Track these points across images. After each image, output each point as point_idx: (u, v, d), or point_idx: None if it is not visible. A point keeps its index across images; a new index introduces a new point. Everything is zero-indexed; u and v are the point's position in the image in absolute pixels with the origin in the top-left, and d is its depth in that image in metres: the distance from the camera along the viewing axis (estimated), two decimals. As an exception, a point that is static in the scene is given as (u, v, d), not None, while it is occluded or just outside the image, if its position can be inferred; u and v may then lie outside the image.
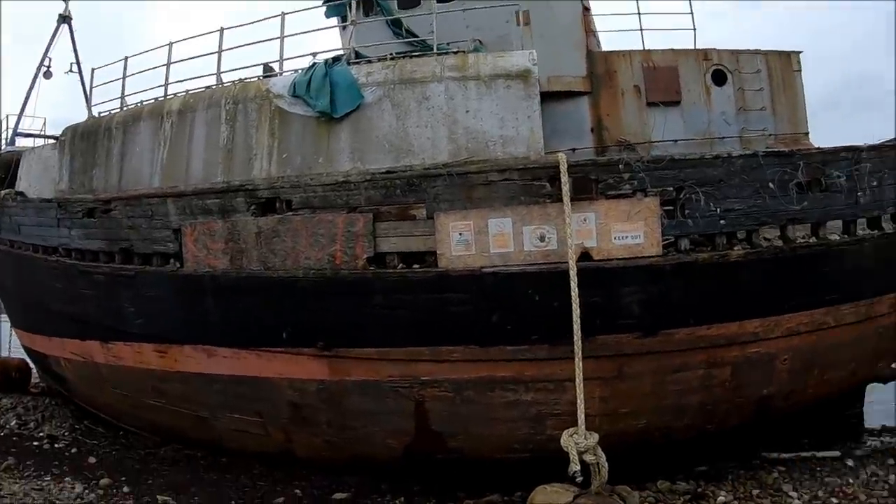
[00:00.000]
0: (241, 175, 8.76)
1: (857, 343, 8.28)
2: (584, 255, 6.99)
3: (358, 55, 9.08)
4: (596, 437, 6.82)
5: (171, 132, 9.65)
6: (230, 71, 9.99)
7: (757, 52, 10.09)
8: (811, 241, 7.63)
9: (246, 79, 9.67)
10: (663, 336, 7.15)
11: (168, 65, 10.33)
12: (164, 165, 9.63)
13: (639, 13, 10.17)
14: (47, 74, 13.93)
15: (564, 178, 6.84)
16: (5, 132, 13.89)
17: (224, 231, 8.44)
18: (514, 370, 7.30)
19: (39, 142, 13.52)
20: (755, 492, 7.92)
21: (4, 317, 15.11)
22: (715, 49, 9.95)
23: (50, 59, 13.96)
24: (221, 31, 9.90)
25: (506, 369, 7.31)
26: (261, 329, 8.28)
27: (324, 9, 10.41)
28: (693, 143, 9.43)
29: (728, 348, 7.35)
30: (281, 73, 9.42)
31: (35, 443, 10.65)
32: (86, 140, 10.75)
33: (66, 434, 11.15)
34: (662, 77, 9.66)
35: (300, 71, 9.00)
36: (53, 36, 14.03)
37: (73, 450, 10.32)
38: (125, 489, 8.61)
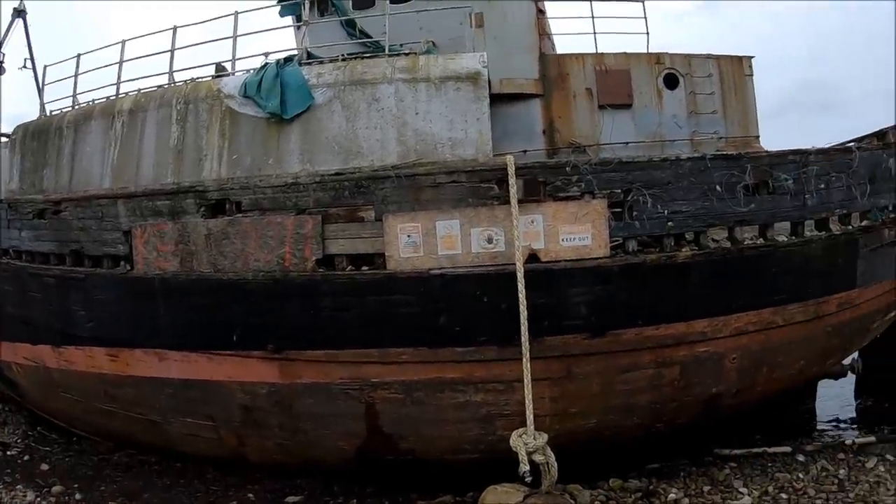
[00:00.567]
0: (192, 176, 8.53)
1: (806, 341, 8.29)
2: (532, 257, 6.90)
3: (311, 56, 8.89)
4: (545, 437, 6.75)
5: (121, 132, 9.37)
6: (183, 70, 9.75)
7: (709, 56, 10.13)
8: (759, 242, 7.61)
9: (198, 78, 9.41)
10: (611, 336, 7.08)
11: (120, 63, 10.03)
12: (114, 166, 9.35)
13: (592, 17, 10.12)
14: (0, 70, 13.48)
15: (512, 181, 6.73)
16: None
17: (174, 233, 8.18)
18: (464, 371, 7.18)
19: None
20: (706, 488, 7.90)
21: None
22: (667, 53, 9.98)
23: (3, 55, 13.50)
24: (174, 29, 9.64)
25: (455, 371, 7.19)
26: (211, 332, 8.05)
27: (278, 8, 10.19)
28: (644, 146, 9.41)
29: (676, 348, 7.31)
30: (233, 73, 9.19)
31: (-13, 451, 10.31)
32: (37, 139, 10.41)
33: (18, 441, 10.76)
34: (614, 80, 9.65)
35: (252, 71, 8.78)
36: (7, 31, 13.56)
37: (26, 457, 9.98)
38: (78, 496, 8.38)
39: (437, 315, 7.05)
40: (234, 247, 7.82)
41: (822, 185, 7.99)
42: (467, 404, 7.33)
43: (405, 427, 7.63)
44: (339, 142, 7.97)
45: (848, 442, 9.09)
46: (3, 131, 13.12)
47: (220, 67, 9.68)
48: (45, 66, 11.22)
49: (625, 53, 9.94)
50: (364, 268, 7.31)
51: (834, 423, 11.11)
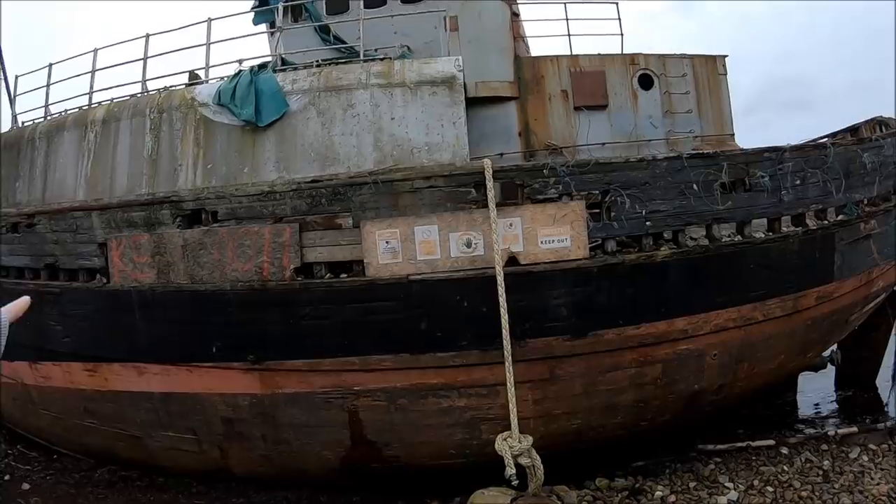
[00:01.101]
0: (167, 186, 8.36)
1: (786, 336, 8.29)
2: (511, 260, 6.81)
3: (285, 62, 8.74)
4: (530, 439, 6.69)
5: (95, 142, 9.17)
6: (156, 78, 9.57)
7: (683, 56, 10.13)
8: (736, 239, 7.59)
9: (171, 86, 9.24)
10: (593, 337, 7.02)
11: (93, 72, 9.84)
12: (88, 177, 9.15)
13: (566, 18, 10.05)
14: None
15: (490, 184, 6.64)
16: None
17: (150, 244, 8.00)
18: (446, 377, 7.08)
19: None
20: (692, 484, 7.88)
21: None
22: (642, 54, 9.96)
23: (-27, 66, 13.22)
24: (147, 36, 9.46)
25: (437, 376, 7.09)
26: (190, 344, 7.88)
27: (252, 15, 10.04)
28: (620, 147, 9.37)
29: (658, 346, 7.26)
30: (207, 81, 9.02)
31: (-34, 472, 10.04)
32: (9, 151, 10.16)
33: (-2, 460, 10.54)
34: (590, 82, 9.61)
35: (226, 79, 8.63)
36: (-25, 43, 13.30)
37: (7, 476, 9.69)
38: (59, 516, 8.13)
39: (417, 321, 6.94)
40: (212, 257, 7.66)
41: (798, 182, 7.99)
42: (451, 409, 7.22)
43: (389, 434, 7.51)
44: (315, 149, 7.84)
45: (830, 433, 9.12)
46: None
47: (193, 75, 9.52)
48: (17, 76, 10.98)
49: (599, 55, 9.91)
50: (343, 275, 7.18)
51: (816, 415, 11.16)
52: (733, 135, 10.06)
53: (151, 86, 9.42)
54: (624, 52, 10.05)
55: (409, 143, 7.68)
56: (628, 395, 7.42)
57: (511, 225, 6.78)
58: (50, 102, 10.31)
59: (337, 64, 8.34)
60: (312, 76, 8.11)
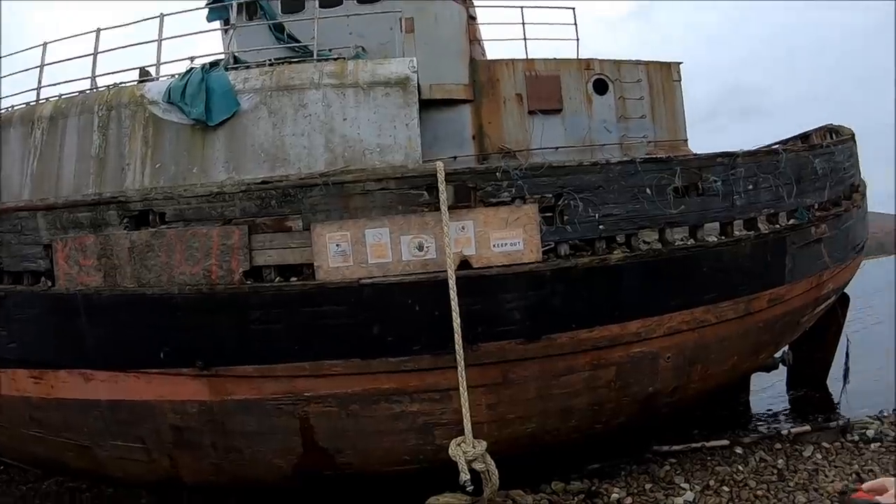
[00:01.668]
0: (114, 186, 8.02)
1: (739, 337, 8.28)
2: (464, 264, 6.64)
3: (238, 60, 8.46)
4: (484, 444, 6.52)
5: (41, 140, 8.76)
6: (106, 74, 9.20)
7: (638, 62, 10.11)
8: (689, 243, 7.54)
9: (121, 83, 8.89)
10: (546, 341, 6.87)
11: (41, 66, 9.39)
12: (34, 176, 8.74)
13: (523, 23, 9.96)
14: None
15: (442, 187, 6.46)
16: None
17: (96, 246, 7.63)
18: (398, 382, 6.86)
19: None
20: (648, 486, 7.81)
21: None
22: (597, 59, 9.92)
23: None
24: (98, 31, 9.07)
25: (389, 381, 6.87)
26: (138, 350, 7.52)
27: (206, 11, 9.71)
28: (574, 151, 9.29)
29: (611, 350, 7.16)
30: (158, 78, 8.68)
31: None
32: (-47, 149, 9.69)
33: (-58, 473, 10.03)
34: (545, 86, 9.51)
35: (177, 76, 8.31)
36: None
37: (-51, 490, 9.29)
38: (5, 529, 7.76)
39: (368, 325, 6.71)
40: (159, 260, 7.33)
41: (751, 187, 8.00)
42: (403, 415, 7.00)
43: (342, 441, 7.25)
44: (266, 149, 7.59)
45: (784, 432, 9.19)
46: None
47: (143, 72, 9.17)
48: (-36, 71, 10.48)
49: (555, 59, 9.83)
50: (293, 279, 6.92)
51: (769, 415, 11.24)
52: (686, 140, 10.07)
53: (101, 82, 9.06)
54: (579, 57, 9.97)
55: (361, 145, 7.47)
56: (583, 399, 7.30)
57: (463, 228, 6.60)
58: (-4, 98, 9.85)
59: (290, 63, 8.08)
60: (264, 75, 7.86)
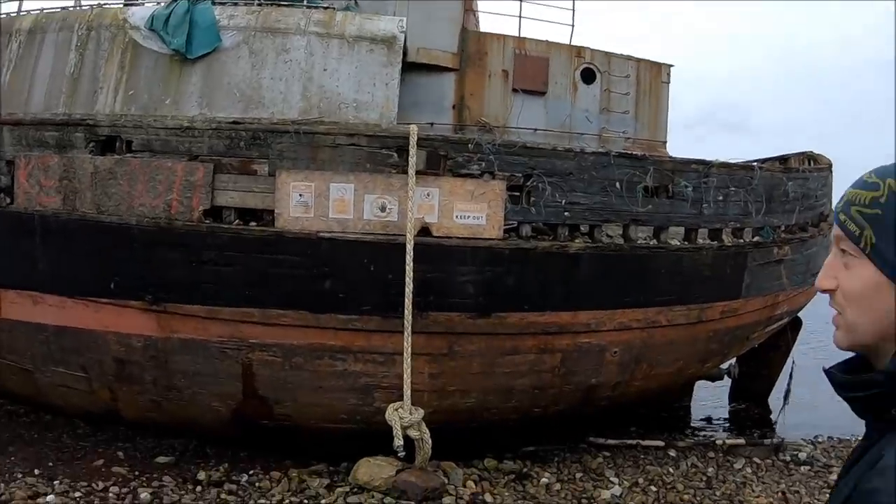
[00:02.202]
0: (85, 108, 7.75)
1: (687, 343, 8.27)
2: (424, 231, 6.47)
3: (227, -6, 8.17)
4: (421, 412, 6.43)
5: (17, 53, 8.42)
6: (93, -7, 8.85)
7: (630, 57, 9.95)
8: (652, 243, 7.47)
9: (105, 4, 8.55)
10: (496, 318, 6.76)
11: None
12: (5, 89, 8.39)
13: (521, 0, 9.69)
14: None
15: (413, 151, 6.27)
16: None
17: (59, 167, 7.35)
18: (344, 339, 6.72)
19: None
20: (578, 475, 7.79)
21: None
22: (589, 48, 9.72)
23: None
24: (87, -52, 8.72)
25: (336, 338, 6.72)
26: (89, 277, 7.29)
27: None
28: (552, 135, 9.13)
29: (560, 336, 7.08)
30: (144, 4, 8.39)
31: None
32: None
33: None
34: (532, 66, 9.29)
35: (162, 3, 8.02)
36: None
37: None
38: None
39: (322, 279, 6.55)
40: (121, 188, 7.08)
41: (721, 198, 7.94)
42: (346, 373, 6.87)
43: (282, 392, 7.12)
44: (242, 89, 7.35)
45: (718, 442, 9.22)
46: None
47: (131, -5, 8.84)
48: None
49: (547, 41, 9.60)
50: (252, 223, 6.72)
51: (706, 423, 11.31)
52: (665, 143, 9.97)
53: (86, 1, 8.72)
54: (572, 43, 9.78)
55: (338, 98, 7.27)
56: (525, 381, 7.23)
57: (428, 195, 6.44)
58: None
59: (279, 5, 7.82)
60: (251, 14, 7.61)
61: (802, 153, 11.44)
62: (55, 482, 6.73)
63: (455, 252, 6.54)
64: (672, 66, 10.13)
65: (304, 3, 7.89)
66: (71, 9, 8.58)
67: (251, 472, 7.27)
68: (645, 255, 7.34)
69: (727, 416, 11.84)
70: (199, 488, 6.85)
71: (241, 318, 6.82)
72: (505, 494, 6.98)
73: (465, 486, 6.96)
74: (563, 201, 6.84)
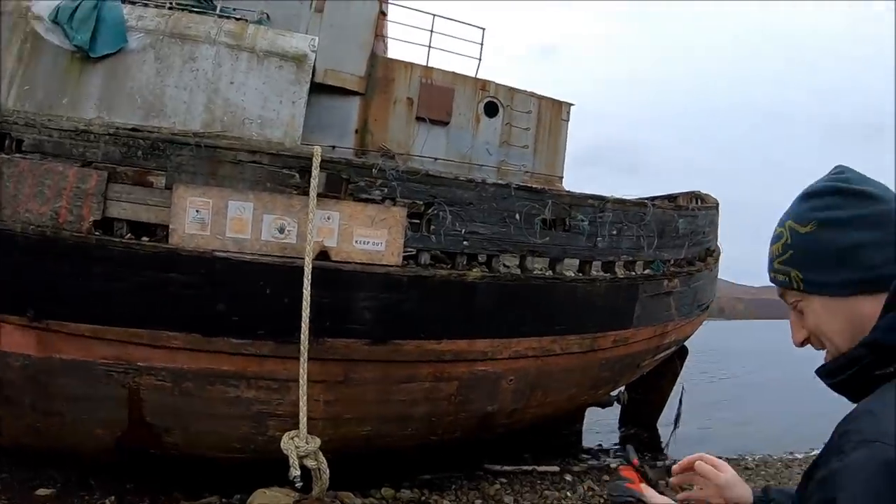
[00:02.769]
0: (-26, 102, 7.12)
1: (580, 371, 8.39)
2: (323, 254, 6.26)
3: (139, -5, 7.77)
4: (318, 441, 6.09)
5: None
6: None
7: (533, 94, 10.15)
8: (547, 273, 7.56)
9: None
10: (393, 346, 6.62)
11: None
12: None
13: (431, 31, 9.75)
14: None
15: (315, 172, 6.06)
16: None
17: (-62, 164, 6.72)
18: (237, 365, 6.37)
19: None
20: (477, 501, 7.77)
21: None
22: (493, 82, 9.87)
23: None
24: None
25: (228, 363, 6.35)
26: (-38, 288, 6.67)
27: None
28: (453, 165, 9.19)
29: (456, 364, 7.00)
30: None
31: None
32: None
33: None
34: (437, 96, 9.33)
35: (71, -3, 7.52)
36: None
37: None
38: None
39: (215, 301, 6.20)
40: (6, 191, 6.50)
41: (615, 232, 8.16)
42: (238, 400, 6.51)
43: (171, 419, 6.65)
44: (144, 95, 6.97)
45: (613, 465, 9.41)
46: None
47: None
48: None
49: (453, 72, 9.69)
50: (144, 238, 6.31)
51: (598, 448, 11.57)
52: (562, 178, 10.21)
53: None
54: (478, 76, 9.91)
55: (243, 112, 7.02)
56: (421, 408, 7.10)
57: (329, 218, 6.24)
58: None
59: (190, 11, 7.50)
60: (161, 17, 7.24)
61: (690, 192, 12.00)
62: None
63: (353, 277, 6.36)
64: (573, 104, 10.43)
65: (217, 12, 7.61)
66: None
67: (138, 504, 6.78)
68: (541, 285, 7.40)
69: (618, 441, 12.16)
70: (82, 523, 6.34)
71: (128, 339, 6.34)
72: (405, 524, 6.86)
73: (363, 516, 6.77)
74: (463, 230, 6.80)
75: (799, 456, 11.74)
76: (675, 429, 12.39)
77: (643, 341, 9.35)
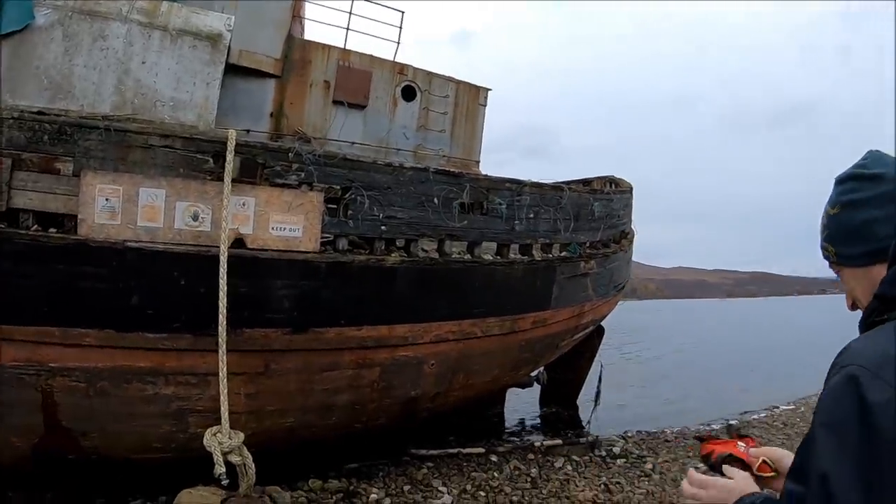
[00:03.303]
0: None
1: (501, 353, 8.56)
2: (238, 242, 6.11)
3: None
4: (241, 436, 5.94)
5: None
6: None
7: (451, 79, 10.18)
8: (466, 257, 7.65)
9: None
10: (313, 334, 6.56)
11: None
12: None
13: (350, 13, 9.56)
14: None
15: (230, 157, 5.91)
16: None
17: None
18: (154, 360, 6.15)
19: None
20: (406, 487, 7.76)
21: None
22: (411, 66, 9.80)
23: None
24: None
25: (144, 359, 6.12)
26: None
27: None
28: (370, 149, 9.14)
29: (378, 350, 7.02)
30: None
31: None
32: None
33: None
34: (355, 79, 9.21)
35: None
36: None
37: None
38: None
39: (128, 294, 5.95)
40: None
41: (532, 215, 8.34)
42: (157, 398, 6.27)
43: (88, 422, 6.31)
44: (51, 76, 6.55)
45: (537, 444, 9.63)
46: None
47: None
48: None
49: (371, 56, 9.57)
50: (52, 230, 5.95)
51: (521, 428, 11.85)
52: (479, 162, 10.31)
53: None
54: (396, 60, 9.88)
55: (155, 94, 6.72)
56: (344, 396, 7.08)
57: (244, 205, 6.10)
58: None
59: None
60: None
61: (605, 177, 12.40)
62: None
63: (270, 265, 6.25)
64: (490, 89, 10.51)
65: None
66: None
67: (60, 514, 6.48)
68: (460, 269, 7.50)
69: (539, 420, 12.49)
70: (0, 540, 5.98)
71: (39, 339, 5.97)
72: (337, 514, 6.75)
73: (294, 510, 6.67)
74: (381, 215, 6.81)
75: (716, 427, 12.32)
76: (595, 406, 12.82)
77: (562, 322, 9.62)
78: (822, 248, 1.63)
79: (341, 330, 6.70)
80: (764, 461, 1.67)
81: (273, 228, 6.22)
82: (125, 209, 5.92)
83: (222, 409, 5.91)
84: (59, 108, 6.44)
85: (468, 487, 7.84)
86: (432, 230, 7.21)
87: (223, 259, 5.81)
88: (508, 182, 8.06)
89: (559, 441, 9.89)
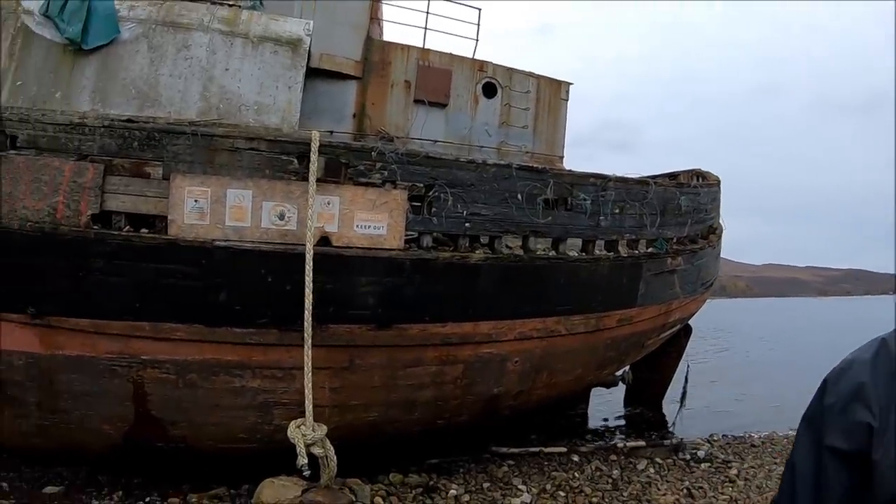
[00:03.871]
0: (-33, 99, 7.02)
1: (585, 351, 8.34)
2: (324, 240, 6.17)
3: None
4: (324, 429, 6.02)
5: None
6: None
7: (531, 74, 10.00)
8: (550, 254, 7.47)
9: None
10: (397, 330, 6.54)
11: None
12: None
13: (427, 12, 9.57)
14: None
15: (314, 157, 5.97)
16: None
17: (-68, 163, 6.62)
18: (241, 354, 6.30)
19: None
20: (486, 485, 7.67)
21: None
22: (491, 62, 9.71)
23: None
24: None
25: (232, 353, 6.28)
26: (-38, 286, 6.57)
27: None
28: (452, 147, 9.07)
29: (461, 347, 6.94)
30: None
31: None
32: None
33: None
34: (435, 78, 9.19)
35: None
36: None
37: None
38: None
39: (217, 291, 6.12)
40: (2, 189, 6.43)
41: (617, 211, 8.08)
42: (243, 390, 6.44)
43: (177, 412, 6.57)
44: (138, 86, 6.83)
45: (619, 445, 9.37)
46: None
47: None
48: None
49: (450, 54, 9.53)
50: (143, 230, 6.22)
51: (605, 428, 11.52)
52: (562, 157, 10.09)
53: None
54: (475, 57, 9.76)
55: (239, 99, 6.88)
56: (427, 392, 7.05)
57: (329, 203, 6.15)
58: None
59: None
60: (152, 6, 7.09)
61: (692, 170, 11.89)
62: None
63: (355, 262, 6.28)
64: (571, 83, 10.29)
65: None
66: None
67: (147, 499, 6.75)
68: (544, 265, 7.33)
69: (624, 420, 12.12)
70: (92, 519, 6.26)
71: (131, 333, 6.27)
72: (416, 509, 6.74)
73: (373, 502, 6.68)
74: (465, 212, 6.73)
75: (804, 432, 11.64)
76: (681, 407, 12.36)
77: (648, 320, 9.28)
78: None
79: (425, 326, 6.67)
80: None
81: (358, 226, 6.24)
82: (213, 210, 6.08)
83: (307, 402, 5.99)
84: (148, 116, 6.70)
85: (548, 487, 7.68)
86: (516, 227, 7.08)
87: (309, 257, 5.88)
88: (593, 177, 7.81)
89: (642, 442, 9.56)
